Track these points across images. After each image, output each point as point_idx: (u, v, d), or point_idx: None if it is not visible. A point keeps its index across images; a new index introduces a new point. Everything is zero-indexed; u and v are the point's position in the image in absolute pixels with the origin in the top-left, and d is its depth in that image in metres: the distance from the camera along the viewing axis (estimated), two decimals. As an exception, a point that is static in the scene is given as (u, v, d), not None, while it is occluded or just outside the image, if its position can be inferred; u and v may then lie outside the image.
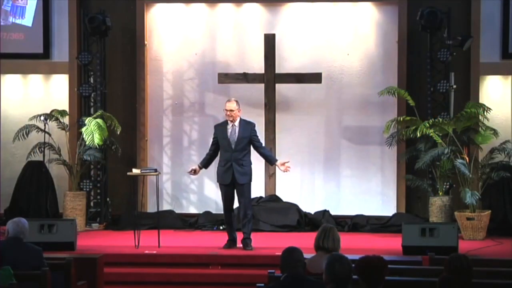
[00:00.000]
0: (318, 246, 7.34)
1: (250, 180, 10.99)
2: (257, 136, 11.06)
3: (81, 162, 12.99)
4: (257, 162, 13.08)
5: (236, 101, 10.97)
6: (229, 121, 10.92)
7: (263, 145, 11.43)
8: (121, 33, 13.60)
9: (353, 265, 5.95)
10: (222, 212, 11.24)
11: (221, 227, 12.55)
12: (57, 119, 12.95)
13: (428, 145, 12.46)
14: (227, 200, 10.99)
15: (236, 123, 10.92)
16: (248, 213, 10.94)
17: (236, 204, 11.12)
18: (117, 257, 10.45)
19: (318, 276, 6.26)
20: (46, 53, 13.59)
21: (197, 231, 12.74)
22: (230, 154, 10.85)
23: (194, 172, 11.13)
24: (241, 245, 10.93)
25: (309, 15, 13.47)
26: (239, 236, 11.01)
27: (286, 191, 13.22)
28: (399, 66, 13.29)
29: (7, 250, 7.42)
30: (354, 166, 13.47)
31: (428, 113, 12.78)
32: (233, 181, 10.85)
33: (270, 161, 11.28)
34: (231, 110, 10.89)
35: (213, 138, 11.10)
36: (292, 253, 6.27)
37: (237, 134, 10.88)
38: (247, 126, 10.95)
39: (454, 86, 12.78)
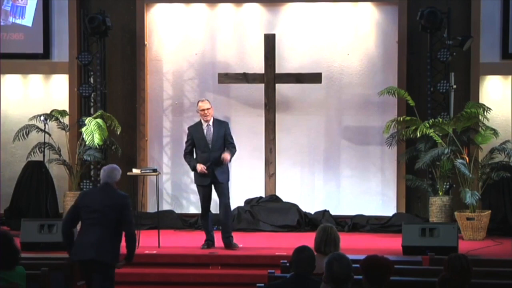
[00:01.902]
0: (319, 250, 7.31)
1: (229, 179, 11.03)
2: (231, 135, 11.06)
3: (81, 162, 13.00)
4: (257, 162, 13.13)
5: (208, 101, 11.05)
6: (203, 121, 10.96)
7: (235, 145, 11.12)
8: (121, 33, 13.60)
9: (356, 265, 5.95)
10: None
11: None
12: (57, 119, 12.95)
13: (428, 145, 12.46)
14: (206, 201, 11.01)
15: (210, 123, 10.96)
16: (229, 212, 11.04)
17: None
18: (117, 257, 10.44)
19: (318, 276, 6.26)
20: (46, 53, 13.59)
21: (197, 231, 12.72)
22: (208, 154, 10.87)
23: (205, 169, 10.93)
24: (221, 246, 10.98)
25: (309, 15, 13.47)
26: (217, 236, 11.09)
27: (286, 191, 13.22)
28: (399, 66, 13.29)
29: (96, 193, 8.19)
30: (354, 166, 13.47)
31: (428, 113, 12.78)
32: (212, 181, 10.86)
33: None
34: (208, 109, 10.93)
35: (188, 140, 11.10)
36: (301, 252, 6.31)
37: (212, 133, 10.91)
38: (220, 125, 11.01)
39: (454, 86, 12.79)
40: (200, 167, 10.86)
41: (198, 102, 11.13)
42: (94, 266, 7.86)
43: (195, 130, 11.03)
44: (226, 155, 10.83)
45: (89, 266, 7.89)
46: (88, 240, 7.82)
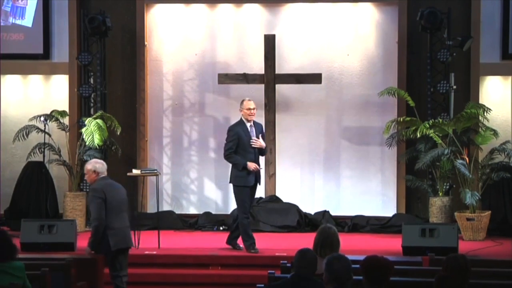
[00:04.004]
0: (315, 251, 7.27)
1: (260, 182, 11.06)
2: (265, 136, 11.13)
3: (81, 162, 12.98)
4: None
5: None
6: (246, 121, 10.82)
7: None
8: (121, 34, 13.60)
9: (357, 265, 5.95)
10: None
11: (221, 228, 12.57)
12: (57, 119, 12.95)
13: (428, 146, 12.46)
14: (250, 201, 10.83)
15: (252, 123, 10.90)
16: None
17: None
18: (117, 258, 10.44)
19: (317, 277, 6.26)
20: (46, 54, 13.59)
21: (197, 232, 12.74)
22: (254, 154, 10.79)
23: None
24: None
25: (309, 16, 13.47)
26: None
27: (286, 192, 13.22)
28: (399, 67, 13.29)
29: (111, 184, 8.89)
30: (354, 167, 13.47)
31: (428, 113, 12.78)
32: (255, 182, 10.80)
33: (262, 152, 11.10)
34: (254, 108, 10.85)
35: (233, 140, 10.74)
36: (303, 253, 6.33)
37: (255, 133, 10.86)
38: (259, 126, 11.01)
39: (454, 87, 12.78)
40: (254, 165, 10.67)
41: (243, 101, 10.88)
42: (125, 252, 8.87)
43: (242, 130, 10.79)
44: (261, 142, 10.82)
45: (120, 252, 8.77)
46: (125, 228, 8.81)
